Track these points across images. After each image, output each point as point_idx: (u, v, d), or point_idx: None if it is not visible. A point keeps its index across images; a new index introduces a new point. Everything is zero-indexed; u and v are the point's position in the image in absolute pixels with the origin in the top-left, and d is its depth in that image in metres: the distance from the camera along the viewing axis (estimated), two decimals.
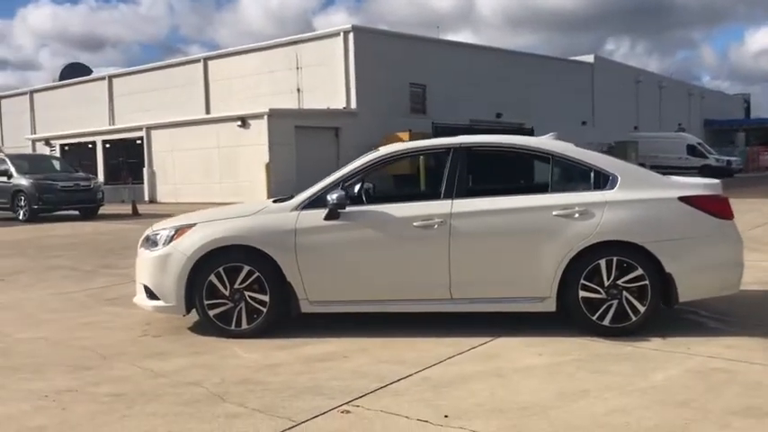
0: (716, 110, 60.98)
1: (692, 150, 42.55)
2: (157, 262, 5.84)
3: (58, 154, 32.65)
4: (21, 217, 19.67)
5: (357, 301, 5.72)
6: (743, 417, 3.81)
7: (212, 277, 5.70)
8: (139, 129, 30.11)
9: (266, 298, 5.68)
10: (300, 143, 25.75)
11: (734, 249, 5.58)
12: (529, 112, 35.62)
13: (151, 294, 5.92)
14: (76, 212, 20.84)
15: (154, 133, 29.67)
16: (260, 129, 25.79)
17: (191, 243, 5.75)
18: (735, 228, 5.63)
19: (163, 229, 6.03)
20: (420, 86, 31.70)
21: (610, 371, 4.67)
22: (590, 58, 45.14)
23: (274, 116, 25.72)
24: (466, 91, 32.87)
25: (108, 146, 31.98)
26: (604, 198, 5.51)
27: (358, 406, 4.11)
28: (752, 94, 79.28)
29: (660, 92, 53.01)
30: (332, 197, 5.57)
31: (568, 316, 5.60)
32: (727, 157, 43.74)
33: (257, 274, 5.67)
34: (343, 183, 5.84)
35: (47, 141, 34.22)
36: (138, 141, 30.15)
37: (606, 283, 5.42)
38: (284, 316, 5.83)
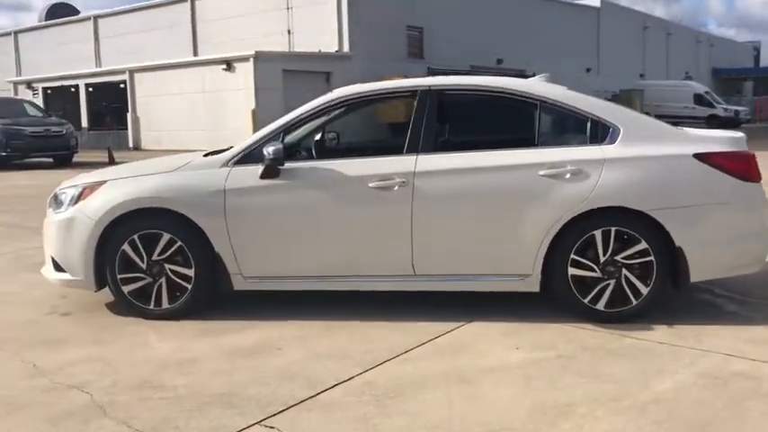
0: (724, 58, 59.07)
1: (699, 100, 41.07)
2: (61, 227, 4.84)
3: (40, 98, 31.42)
4: None
5: (300, 277, 4.73)
6: None
7: (126, 246, 4.72)
8: (122, 72, 28.78)
9: (191, 272, 4.70)
10: (289, 88, 24.44)
11: (760, 218, 4.55)
12: (531, 59, 34.11)
13: (57, 265, 4.94)
14: (50, 160, 19.78)
15: (137, 77, 28.37)
16: (246, 72, 24.51)
17: (99, 204, 4.74)
18: (761, 191, 4.59)
19: (70, 186, 5.01)
20: (417, 29, 30.23)
21: (602, 374, 3.70)
22: (596, 2, 43.26)
23: (261, 59, 24.40)
24: (466, 35, 31.38)
25: (91, 90, 30.67)
26: (603, 154, 4.47)
27: (272, 428, 3.16)
28: (762, 42, 76.97)
29: (668, 39, 51.14)
30: (268, 151, 4.53)
31: (555, 298, 4.62)
32: (735, 107, 42.28)
33: (179, 243, 4.68)
34: (285, 133, 4.80)
35: (29, 84, 32.90)
36: (122, 85, 28.85)
37: (602, 259, 4.43)
38: (214, 294, 4.86)
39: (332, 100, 4.86)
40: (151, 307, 4.78)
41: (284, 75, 24.83)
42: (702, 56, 56.30)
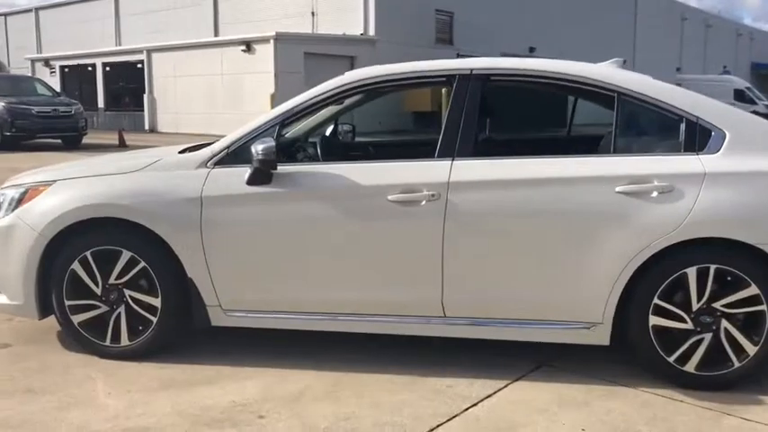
0: (765, 52, 56.87)
1: (739, 96, 39.13)
2: None
3: (57, 77, 30.64)
4: None
5: (295, 313, 3.66)
6: None
7: (76, 265, 3.70)
8: (140, 51, 27.83)
9: (157, 302, 3.67)
10: (310, 72, 23.25)
11: None
12: (564, 48, 32.54)
13: None
14: (59, 141, 18.89)
15: (155, 56, 27.40)
16: (266, 55, 23.41)
17: (43, 212, 3.72)
18: None
19: (11, 186, 3.99)
20: (447, 14, 28.94)
21: None
22: None
23: (281, 41, 23.28)
24: (497, 22, 30.03)
25: (108, 69, 29.76)
26: (702, 167, 3.34)
27: None
28: None
29: (706, 31, 49.21)
30: (256, 149, 3.45)
31: (630, 353, 3.52)
32: None
33: (143, 264, 3.65)
34: (282, 126, 3.72)
35: (46, 62, 32.12)
36: (139, 65, 27.93)
37: (695, 306, 3.32)
38: (186, 330, 3.82)
39: (343, 85, 3.75)
40: (107, 343, 3.76)
41: (306, 58, 23.70)
42: (742, 49, 54.22)
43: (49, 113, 17.92)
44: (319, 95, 3.75)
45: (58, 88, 25.75)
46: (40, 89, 20.03)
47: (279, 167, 3.51)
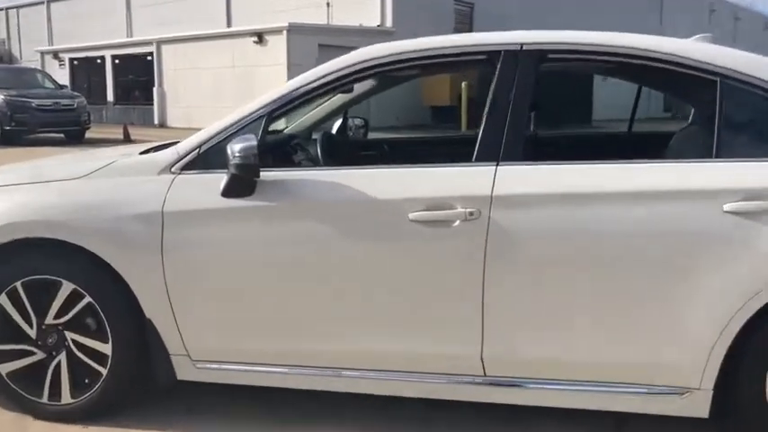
0: None
1: None
2: None
3: (66, 69, 30.02)
4: None
5: (284, 366, 2.78)
6: None
7: (3, 300, 2.85)
8: (149, 43, 27.08)
9: (107, 348, 2.81)
10: None
11: None
12: None
13: None
14: (62, 136, 18.17)
15: (165, 48, 26.63)
16: (278, 46, 22.59)
17: None
18: None
19: None
20: (467, 5, 28.07)
21: None
22: None
23: (295, 32, 22.42)
24: (519, 13, 29.00)
25: (117, 62, 29.06)
26: None
27: None
28: None
29: (735, 24, 47.85)
30: (233, 150, 2.57)
31: (736, 428, 2.61)
32: None
33: (88, 299, 2.79)
34: (270, 120, 2.83)
35: (55, 55, 31.49)
36: (149, 57, 27.18)
37: None
38: (144, 384, 2.96)
39: (351, 65, 2.84)
40: (44, 400, 2.91)
41: (320, 50, 22.79)
42: None
43: (50, 107, 17.18)
44: (319, 79, 2.85)
45: (67, 81, 25.09)
46: (44, 81, 19.32)
47: (264, 174, 2.64)
